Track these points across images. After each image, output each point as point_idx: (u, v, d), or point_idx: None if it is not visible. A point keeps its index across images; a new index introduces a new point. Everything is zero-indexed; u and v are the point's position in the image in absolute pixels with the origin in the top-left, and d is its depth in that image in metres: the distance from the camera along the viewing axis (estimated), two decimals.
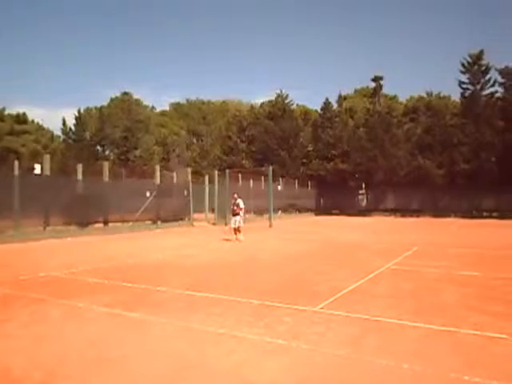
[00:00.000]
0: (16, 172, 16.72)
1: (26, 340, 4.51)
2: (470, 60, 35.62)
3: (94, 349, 4.24)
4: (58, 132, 55.13)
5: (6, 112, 51.29)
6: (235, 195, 15.80)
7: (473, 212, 32.78)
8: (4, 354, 4.10)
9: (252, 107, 51.51)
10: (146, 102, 61.63)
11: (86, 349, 4.24)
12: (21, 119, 52.38)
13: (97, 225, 19.52)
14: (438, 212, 33.52)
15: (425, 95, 45.41)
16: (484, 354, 4.07)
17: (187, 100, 73.24)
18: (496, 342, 4.38)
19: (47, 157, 18.61)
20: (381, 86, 42.24)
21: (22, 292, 6.76)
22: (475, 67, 35.49)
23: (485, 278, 7.89)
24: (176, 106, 72.42)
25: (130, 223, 20.89)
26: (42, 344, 4.39)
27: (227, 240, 15.18)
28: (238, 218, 15.17)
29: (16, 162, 17.21)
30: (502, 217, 29.70)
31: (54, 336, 4.65)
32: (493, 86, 35.28)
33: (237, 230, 15.07)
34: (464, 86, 36.16)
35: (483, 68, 35.34)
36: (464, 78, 36.05)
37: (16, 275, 8.24)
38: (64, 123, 50.96)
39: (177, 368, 3.76)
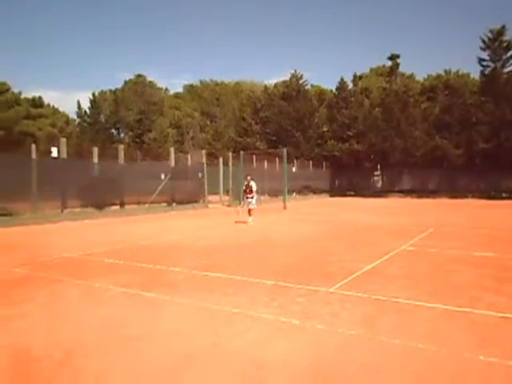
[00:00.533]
0: (33, 155, 16.96)
1: (45, 320, 4.62)
2: (490, 36, 34.45)
3: (111, 328, 4.32)
4: (73, 115, 55.67)
5: (22, 96, 51.80)
6: (248, 177, 15.78)
7: (491, 193, 32.17)
8: (23, 333, 4.22)
9: (266, 88, 50.98)
10: (159, 85, 61.59)
11: (104, 328, 4.33)
12: (37, 103, 52.85)
13: (113, 207, 19.78)
14: (455, 193, 33.00)
15: (443, 73, 44.33)
16: (499, 334, 4.03)
17: (201, 81, 72.87)
18: (511, 323, 4.33)
19: (63, 140, 18.80)
20: (397, 65, 41.24)
21: (40, 273, 6.92)
22: (496, 43, 34.31)
23: (501, 259, 7.78)
24: (189, 88, 72.12)
25: (146, 205, 21.11)
26: (60, 324, 4.49)
27: (240, 222, 15.23)
28: (250, 200, 15.20)
29: (33, 146, 17.45)
30: None
31: (71, 316, 4.75)
32: None
33: (249, 212, 15.11)
34: (484, 63, 35.09)
35: (505, 44, 34.14)
36: (484, 54, 34.97)
37: (34, 256, 8.42)
38: (79, 106, 51.40)
39: (192, 347, 3.81)
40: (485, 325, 4.31)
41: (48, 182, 16.81)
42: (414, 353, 3.61)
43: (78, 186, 18.18)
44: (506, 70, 34.37)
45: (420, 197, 34.22)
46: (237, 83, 71.20)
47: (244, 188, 15.66)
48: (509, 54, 34.18)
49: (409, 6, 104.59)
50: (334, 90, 44.87)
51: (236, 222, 15.39)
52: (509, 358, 3.42)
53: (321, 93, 49.44)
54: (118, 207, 19.96)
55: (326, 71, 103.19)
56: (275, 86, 53.37)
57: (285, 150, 25.52)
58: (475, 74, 39.16)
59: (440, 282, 6.08)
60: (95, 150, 19.87)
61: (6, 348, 3.80)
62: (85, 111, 51.26)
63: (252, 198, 15.21)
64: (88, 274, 6.74)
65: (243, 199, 15.97)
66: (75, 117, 54.01)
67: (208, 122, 60.81)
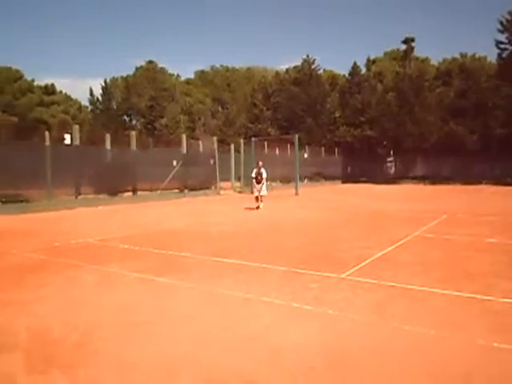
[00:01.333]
0: (47, 142, 17.14)
1: (62, 304, 4.72)
2: (509, 18, 33.54)
3: (126, 312, 4.40)
4: (85, 102, 55.94)
5: (35, 83, 52.18)
6: (260, 163, 15.79)
7: (507, 179, 31.66)
8: (42, 316, 4.31)
9: (277, 73, 50.52)
10: (170, 71, 61.39)
11: (119, 313, 4.40)
12: (49, 90, 53.27)
13: (126, 193, 19.96)
14: (470, 179, 32.53)
15: (458, 57, 43.37)
16: None
17: (211, 67, 72.44)
18: None
19: (76, 127, 18.93)
20: (412, 48, 40.45)
21: (56, 258, 7.04)
22: None
23: None
24: (200, 74, 71.77)
25: (158, 192, 21.25)
26: (77, 307, 4.59)
27: (251, 208, 15.27)
28: (261, 186, 15.24)
29: (47, 133, 17.62)
30: None
31: (88, 300, 4.84)
32: None
33: (259, 198, 15.19)
34: (502, 46, 34.28)
35: None
36: (502, 37, 34.16)
37: (50, 242, 8.57)
38: (91, 93, 51.59)
39: (206, 331, 3.87)
40: (499, 312, 4.28)
41: (62, 168, 17.00)
42: (427, 339, 3.61)
43: (92, 173, 18.37)
44: None
45: (433, 183, 33.84)
46: (248, 69, 70.66)
47: (255, 175, 15.67)
48: None
49: None
50: (346, 75, 44.30)
51: (247, 208, 15.43)
52: None
53: (333, 77, 48.83)
54: (130, 194, 20.14)
55: (338, 55, 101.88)
56: (287, 71, 52.81)
57: (296, 136, 25.37)
58: (492, 57, 38.26)
59: (453, 269, 6.04)
60: (108, 136, 19.99)
61: (24, 330, 3.90)
62: (97, 98, 51.47)
63: (263, 184, 15.26)
64: (103, 260, 6.85)
65: (254, 186, 15.97)
66: (87, 104, 54.32)
67: (219, 109, 60.59)
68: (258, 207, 15.20)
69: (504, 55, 34.25)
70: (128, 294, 5.06)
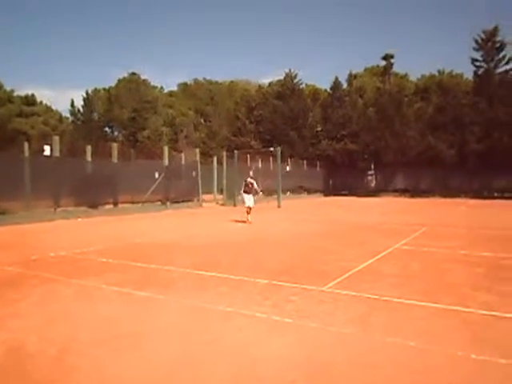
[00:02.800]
0: (26, 154, 16.85)
1: (38, 318, 4.61)
2: (483, 37, 34.66)
3: (106, 327, 4.32)
4: (66, 113, 55.34)
5: (15, 94, 51.43)
6: (251, 173, 15.50)
7: (484, 192, 32.42)
8: (17, 331, 4.20)
9: (260, 87, 50.97)
10: (153, 83, 61.33)
11: (98, 327, 4.32)
12: (29, 101, 52.55)
13: (107, 206, 19.70)
14: (448, 192, 33.20)
15: (436, 73, 44.59)
16: (491, 333, 4.08)
17: (195, 80, 72.64)
18: (503, 322, 4.38)
19: (56, 138, 18.68)
20: (391, 65, 41.40)
21: (33, 271, 6.88)
22: (489, 44, 34.53)
23: (494, 258, 7.85)
24: (184, 87, 71.88)
25: (140, 204, 21.05)
26: (54, 322, 4.48)
27: (234, 221, 15.23)
28: (250, 197, 14.77)
29: (26, 144, 17.33)
30: None
31: (65, 314, 4.74)
32: (507, 63, 34.35)
33: (249, 210, 14.64)
34: (477, 63, 35.28)
35: (497, 45, 34.36)
36: (477, 55, 35.16)
37: (27, 255, 8.38)
38: (72, 104, 51.14)
39: (186, 346, 3.82)
40: (477, 323, 4.35)
41: (41, 180, 16.71)
42: (407, 351, 3.65)
43: (71, 185, 18.10)
44: (499, 70, 34.60)
45: (413, 196, 34.40)
46: (231, 82, 71.10)
47: (248, 184, 14.89)
48: (501, 55, 34.43)
49: (403, 6, 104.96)
50: (328, 90, 44.98)
51: (230, 220, 15.38)
52: (500, 357, 3.46)
53: (315, 92, 49.52)
54: (111, 206, 19.89)
55: (320, 70, 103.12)
56: (269, 85, 53.37)
57: (279, 149, 25.55)
58: (468, 74, 39.42)
59: (433, 281, 6.12)
60: (88, 148, 19.78)
61: (0, 345, 3.79)
62: (78, 109, 51.03)
63: (251, 193, 14.80)
64: (81, 273, 6.72)
65: (242, 195, 15.05)
66: (68, 115, 53.75)
67: (202, 121, 60.63)
68: (247, 219, 14.49)
69: (479, 72, 35.32)
70: (107, 308, 4.97)
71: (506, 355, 3.48)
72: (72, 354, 3.63)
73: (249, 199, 14.74)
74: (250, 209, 14.73)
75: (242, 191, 15.09)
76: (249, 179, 15.12)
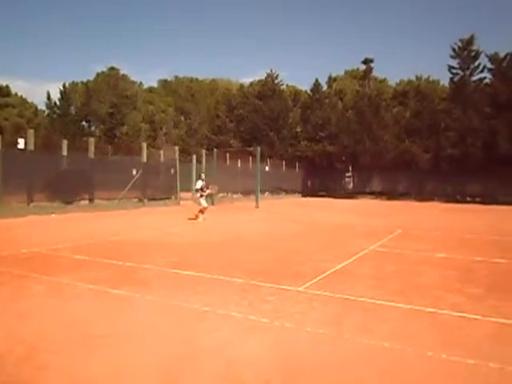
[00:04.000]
0: None
1: (8, 316, 4.48)
2: (460, 45, 35.54)
3: (78, 325, 4.23)
4: (42, 106, 54.00)
5: None
6: (203, 175, 16.22)
7: (457, 197, 33.28)
8: None
9: (241, 86, 50.93)
10: (133, 78, 60.48)
11: (70, 325, 4.23)
12: (4, 92, 51.11)
13: (82, 202, 19.32)
14: (423, 196, 33.95)
15: (414, 79, 45.44)
16: (461, 333, 4.18)
17: (175, 77, 72.04)
18: (473, 323, 4.50)
19: (31, 131, 18.22)
20: (371, 69, 42.03)
21: (3, 268, 6.69)
22: (465, 52, 35.43)
23: (465, 261, 8.06)
24: (164, 83, 71.20)
25: (116, 201, 20.72)
26: (24, 320, 4.37)
27: (210, 220, 15.17)
28: (202, 198, 15.40)
29: None
30: (484, 202, 30.19)
31: (36, 312, 4.62)
32: (482, 71, 35.36)
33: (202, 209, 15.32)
34: (453, 71, 36.16)
35: (473, 53, 35.30)
36: (454, 62, 36.03)
37: None
38: (49, 97, 49.93)
39: (161, 345, 3.78)
40: (448, 324, 4.46)
41: (14, 174, 16.25)
42: (380, 351, 3.71)
43: (46, 180, 17.67)
44: (474, 78, 35.56)
45: (389, 199, 35.00)
46: (212, 80, 70.81)
47: (201, 187, 15.49)
48: (476, 63, 35.37)
49: (384, 11, 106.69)
50: (308, 91, 45.28)
51: (207, 219, 15.33)
52: (469, 357, 3.56)
53: (296, 93, 49.78)
54: (87, 202, 19.51)
55: (301, 72, 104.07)
56: (251, 84, 53.34)
57: (258, 148, 25.53)
58: (445, 80, 40.33)
59: (406, 283, 6.24)
60: (64, 142, 19.36)
61: None
62: (55, 102, 49.82)
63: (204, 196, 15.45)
64: (54, 270, 6.57)
65: (200, 198, 15.60)
66: (44, 108, 52.46)
67: (182, 119, 60.18)
68: (196, 217, 15.18)
69: (455, 80, 36.19)
70: (80, 306, 4.87)
71: (474, 355, 3.58)
72: (42, 353, 3.54)
73: (202, 201, 15.42)
74: (206, 208, 15.42)
75: (198, 195, 15.59)
76: (202, 183, 15.57)
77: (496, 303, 5.20)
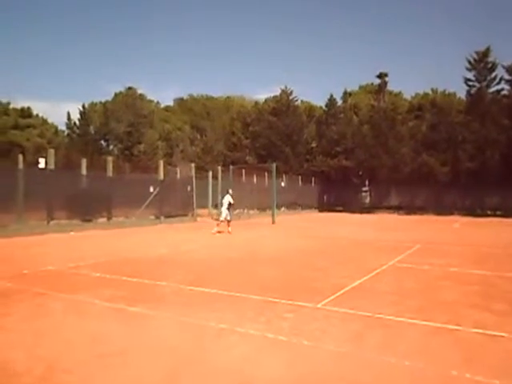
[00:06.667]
0: (20, 166, 16.76)
1: (27, 334, 4.52)
2: (476, 57, 35.30)
3: (95, 343, 4.24)
4: (62, 126, 55.29)
5: (11, 106, 51.41)
6: (230, 191, 17.10)
7: (476, 210, 32.60)
8: (5, 347, 4.11)
9: (256, 103, 51.36)
10: (150, 97, 61.60)
11: (87, 343, 4.24)
12: (25, 113, 52.50)
13: (100, 219, 19.55)
14: (442, 210, 33.36)
15: (430, 92, 45.16)
16: (485, 352, 4.05)
17: (191, 95, 73.16)
18: (497, 340, 4.36)
19: (51, 151, 18.62)
20: (385, 83, 41.91)
21: (24, 286, 6.78)
22: (481, 64, 35.15)
23: (487, 277, 7.85)
24: (180, 102, 72.32)
25: (134, 218, 20.91)
26: (42, 338, 4.40)
27: (228, 236, 15.17)
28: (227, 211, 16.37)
29: (20, 156, 17.25)
30: (505, 215, 29.52)
31: (55, 330, 4.65)
32: (499, 83, 34.96)
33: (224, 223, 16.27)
34: (470, 83, 35.85)
35: (489, 65, 35.00)
36: (470, 75, 35.75)
37: (19, 269, 8.26)
38: (69, 118, 51.13)
39: (177, 363, 3.76)
40: (471, 342, 4.32)
41: (34, 193, 16.57)
42: (401, 370, 3.60)
43: (65, 198, 17.97)
44: (491, 90, 35.17)
45: (407, 213, 34.50)
46: (227, 97, 71.64)
47: (228, 202, 16.47)
48: (493, 75, 35.02)
49: (399, 25, 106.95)
50: (323, 107, 45.38)
51: (224, 236, 15.32)
52: (494, 377, 3.43)
53: (310, 109, 49.92)
54: (105, 219, 19.74)
55: (316, 88, 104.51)
56: (265, 101, 53.75)
57: (274, 164, 25.57)
58: (461, 93, 39.96)
59: (427, 299, 6.10)
60: (83, 161, 19.71)
61: None
62: (74, 122, 50.97)
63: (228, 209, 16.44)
64: (73, 288, 6.63)
65: (223, 212, 16.67)
66: (64, 128, 53.71)
67: (198, 136, 60.83)
68: (218, 231, 16.03)
69: (472, 92, 35.86)
70: (97, 324, 4.89)
71: (499, 375, 3.45)
72: (59, 372, 3.55)
73: (227, 214, 16.47)
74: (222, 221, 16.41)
75: (225, 208, 16.57)
76: (230, 198, 16.55)
77: None
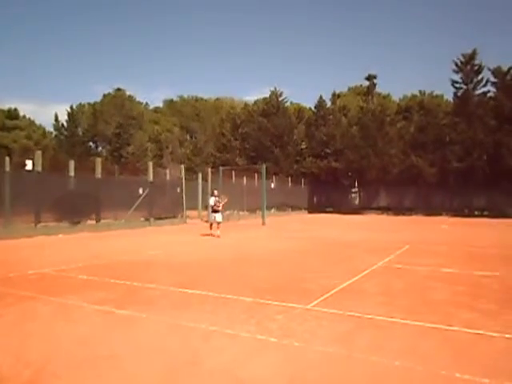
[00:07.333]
0: (7, 168, 16.53)
1: (15, 338, 4.45)
2: (463, 60, 35.74)
3: (84, 347, 4.19)
4: (49, 128, 54.77)
5: None
6: (215, 192, 16.62)
7: (464, 211, 33.01)
8: None
9: (246, 105, 51.40)
10: (139, 99, 61.30)
11: (76, 347, 4.19)
12: (12, 115, 51.93)
13: (89, 222, 19.37)
14: (430, 210, 33.70)
15: (418, 94, 45.65)
16: (474, 351, 4.09)
17: (180, 97, 72.96)
18: (486, 339, 4.40)
19: (39, 153, 18.40)
20: (374, 85, 42.25)
21: (11, 289, 6.68)
22: (468, 67, 35.58)
23: (475, 276, 7.94)
24: (169, 103, 72.09)
25: (123, 220, 20.75)
26: (30, 342, 4.33)
27: (218, 237, 15.13)
28: (219, 213, 15.91)
29: (7, 158, 17.03)
30: (492, 215, 29.93)
31: (43, 334, 4.59)
32: (485, 85, 35.38)
33: (217, 226, 15.77)
34: (457, 85, 36.28)
35: (476, 68, 35.45)
36: (457, 77, 36.17)
37: (5, 272, 8.14)
38: (56, 119, 50.70)
39: (168, 366, 3.73)
40: (460, 342, 4.36)
41: (21, 195, 16.36)
42: (391, 370, 3.62)
43: (53, 200, 17.76)
44: (477, 92, 35.63)
45: (396, 214, 34.80)
46: (217, 99, 71.58)
47: (213, 203, 16.02)
48: (479, 77, 35.46)
49: (387, 28, 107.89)
50: (312, 108, 45.57)
51: (214, 237, 15.28)
52: (483, 376, 3.46)
53: (300, 110, 50.10)
54: (93, 222, 19.56)
55: (305, 89, 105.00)
56: (255, 102, 53.83)
57: (264, 166, 25.62)
58: (449, 95, 40.47)
59: (416, 299, 6.14)
60: (71, 163, 19.52)
61: None
62: (62, 124, 50.57)
63: (220, 212, 16.01)
64: (61, 291, 6.55)
65: (210, 214, 16.47)
66: (52, 129, 53.20)
67: (187, 138, 60.70)
68: (211, 234, 15.78)
69: (459, 94, 36.30)
70: (86, 327, 4.84)
71: (489, 374, 3.49)
72: (47, 376, 3.50)
73: (218, 216, 15.93)
74: (218, 224, 15.83)
75: (211, 211, 16.24)
76: (215, 198, 16.10)
77: (511, 318, 5.09)
